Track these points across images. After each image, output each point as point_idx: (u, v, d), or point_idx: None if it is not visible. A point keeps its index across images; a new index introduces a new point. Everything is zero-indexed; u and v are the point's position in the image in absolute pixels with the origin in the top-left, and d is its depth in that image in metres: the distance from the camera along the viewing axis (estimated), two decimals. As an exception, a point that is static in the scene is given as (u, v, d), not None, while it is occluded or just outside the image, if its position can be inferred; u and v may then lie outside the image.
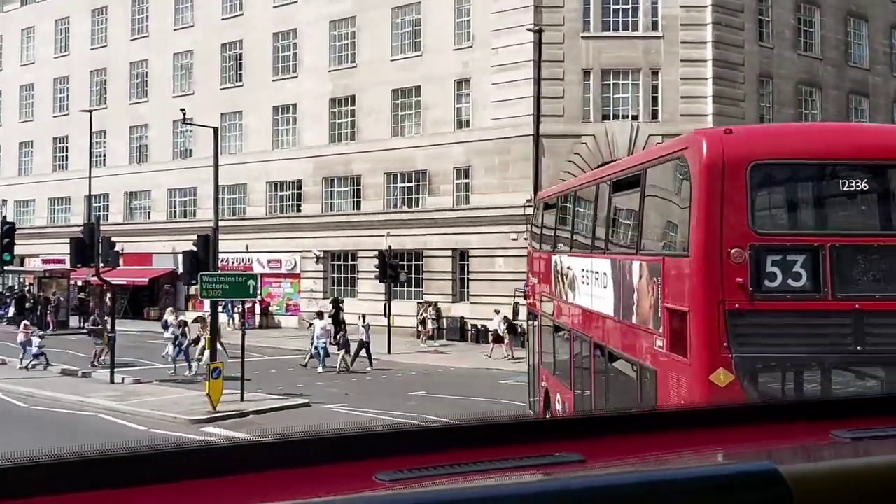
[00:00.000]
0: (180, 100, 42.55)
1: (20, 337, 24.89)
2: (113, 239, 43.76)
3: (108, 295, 44.42)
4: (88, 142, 43.07)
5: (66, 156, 48.35)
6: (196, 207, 42.61)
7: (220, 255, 40.57)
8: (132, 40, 45.10)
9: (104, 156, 45.92)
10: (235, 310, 37.84)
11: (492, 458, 1.48)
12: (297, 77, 38.65)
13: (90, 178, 41.54)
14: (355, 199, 36.79)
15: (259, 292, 40.24)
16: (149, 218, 44.63)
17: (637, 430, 1.74)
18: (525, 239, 30.88)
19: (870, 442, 1.66)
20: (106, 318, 25.44)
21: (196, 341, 24.51)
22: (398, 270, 29.18)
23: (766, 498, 1.32)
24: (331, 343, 25.14)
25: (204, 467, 1.37)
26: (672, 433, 1.73)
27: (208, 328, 21.88)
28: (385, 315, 28.70)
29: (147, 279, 41.52)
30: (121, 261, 43.98)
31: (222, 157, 42.35)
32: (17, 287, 43.31)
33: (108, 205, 45.72)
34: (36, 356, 23.91)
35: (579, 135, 31.15)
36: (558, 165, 30.78)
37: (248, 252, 38.83)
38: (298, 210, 38.75)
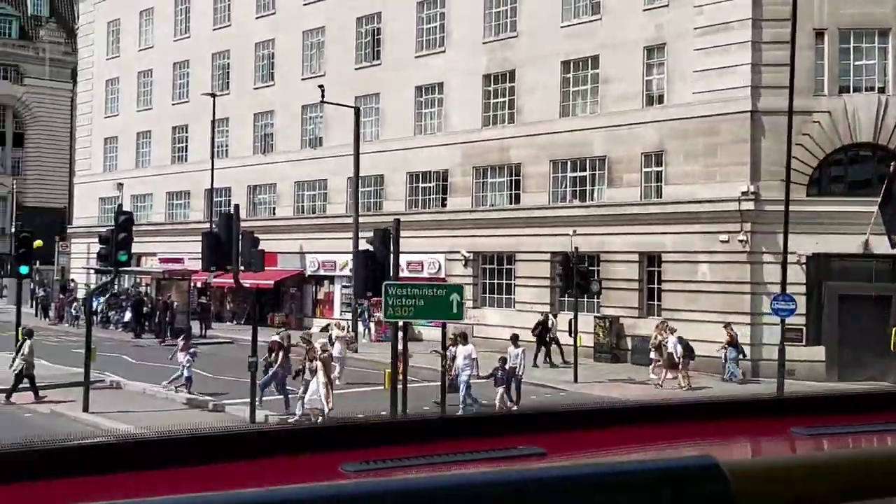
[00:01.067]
0: (309, 82, 38.23)
1: (181, 356, 19.95)
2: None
3: (228, 298, 41.02)
4: (211, 130, 39.26)
5: (186, 146, 44.85)
6: (326, 202, 38.13)
7: (340, 256, 36.22)
8: (258, 18, 41.04)
9: (226, 146, 42.09)
10: (372, 318, 33.17)
11: (456, 451, 1.51)
12: (443, 52, 33.56)
13: (213, 169, 37.62)
14: (513, 192, 31.35)
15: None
16: (273, 214, 40.46)
17: (600, 424, 1.78)
18: (741, 241, 24.88)
19: (825, 438, 1.70)
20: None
21: (300, 372, 17.55)
22: (589, 279, 23.54)
23: (705, 491, 1.33)
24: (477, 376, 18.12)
25: (170, 455, 1.38)
26: (636, 428, 1.77)
27: (317, 353, 16.66)
28: (570, 333, 23.13)
29: (272, 282, 37.22)
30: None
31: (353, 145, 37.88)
32: (131, 289, 39.78)
33: (229, 199, 41.74)
34: (188, 379, 19.33)
35: (810, 111, 24.77)
36: (781, 149, 24.48)
37: (384, 253, 33.94)
38: (443, 204, 33.64)
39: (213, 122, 37.70)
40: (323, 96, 28.86)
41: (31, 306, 34.25)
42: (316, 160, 37.80)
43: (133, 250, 45.68)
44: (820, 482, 1.41)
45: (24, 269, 19.79)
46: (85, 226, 50.08)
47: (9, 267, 66.35)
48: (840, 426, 1.75)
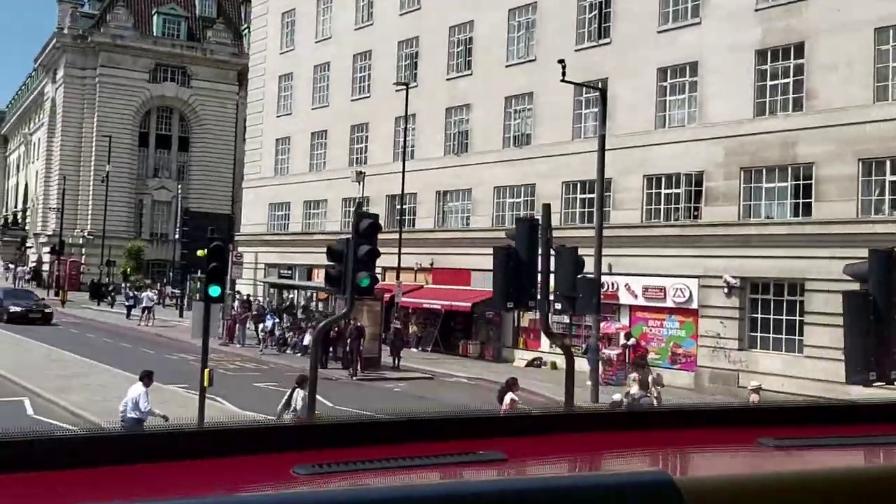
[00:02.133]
0: (516, 68, 32.39)
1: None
2: (422, 250, 34.81)
3: (412, 320, 35.24)
4: (403, 127, 34.12)
5: (366, 147, 40.03)
6: (533, 211, 32.03)
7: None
8: (453, -2, 35.66)
9: (412, 146, 36.89)
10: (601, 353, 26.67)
11: (414, 454, 1.47)
12: (698, 23, 26.81)
13: (403, 172, 32.38)
14: (800, 201, 24.14)
15: (630, 333, 29.02)
16: (466, 224, 34.78)
17: (563, 430, 1.77)
18: None
19: (791, 449, 1.68)
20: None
21: None
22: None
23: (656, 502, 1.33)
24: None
25: (120, 454, 1.36)
26: (596, 434, 1.75)
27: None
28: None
29: (469, 304, 31.48)
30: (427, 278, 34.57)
31: (572, 142, 31.66)
32: (315, 311, 34.91)
33: (414, 207, 36.57)
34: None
35: None
36: None
37: (611, 274, 27.40)
38: (695, 215, 26.82)
39: (405, 116, 32.50)
40: (564, 74, 22.78)
41: (221, 330, 29.86)
42: (521, 161, 31.88)
43: (306, 261, 41.50)
44: (782, 497, 1.38)
45: (215, 291, 14.57)
46: (253, 234, 46.34)
47: (171, 274, 64.58)
48: (810, 438, 1.72)
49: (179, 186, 61.91)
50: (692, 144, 26.44)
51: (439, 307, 32.69)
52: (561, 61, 23.37)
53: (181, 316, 44.48)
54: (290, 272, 43.84)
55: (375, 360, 26.72)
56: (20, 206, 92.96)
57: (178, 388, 20.46)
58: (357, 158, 40.50)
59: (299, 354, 29.48)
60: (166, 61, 67.34)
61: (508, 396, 13.44)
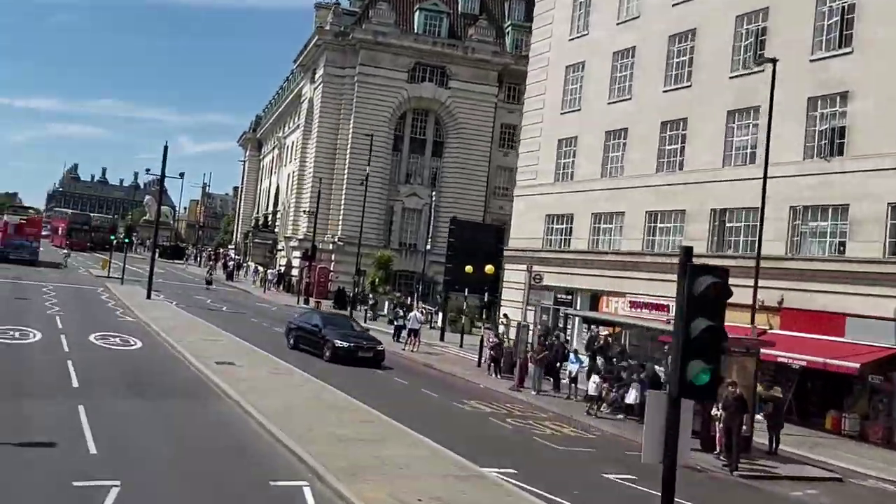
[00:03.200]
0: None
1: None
2: (767, 283, 26.13)
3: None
4: (748, 122, 25.84)
5: (681, 148, 32.13)
6: (959, 239, 22.63)
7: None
8: (827, -47, 26.89)
9: (752, 147, 28.52)
10: None
11: None
12: None
13: (765, 178, 24.05)
14: None
15: None
16: (839, 251, 25.79)
17: None
18: None
19: None
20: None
21: None
22: None
23: None
24: None
25: None
26: None
27: None
28: None
29: (857, 363, 22.55)
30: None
31: None
32: (614, 347, 27.29)
33: (750, 225, 28.06)
34: None
35: None
36: None
37: None
38: None
39: (770, 102, 24.09)
40: None
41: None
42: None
43: (592, 285, 34.15)
44: None
45: (703, 378, 7.39)
46: (523, 249, 39.83)
47: (420, 287, 60.06)
48: None
49: (433, 194, 57.12)
50: None
51: (804, 363, 23.99)
52: None
53: (442, 339, 38.80)
54: (569, 297, 36.77)
55: (744, 440, 18.67)
56: (270, 208, 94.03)
57: (499, 474, 13.73)
58: (669, 162, 32.66)
59: (622, 417, 22.07)
60: (426, 60, 63.15)
61: None
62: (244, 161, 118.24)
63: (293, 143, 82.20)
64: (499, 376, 27.54)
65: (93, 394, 17.22)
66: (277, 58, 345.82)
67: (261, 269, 72.41)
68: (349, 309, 49.58)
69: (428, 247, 56.46)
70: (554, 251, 38.09)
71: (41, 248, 63.53)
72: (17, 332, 24.80)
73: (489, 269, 34.83)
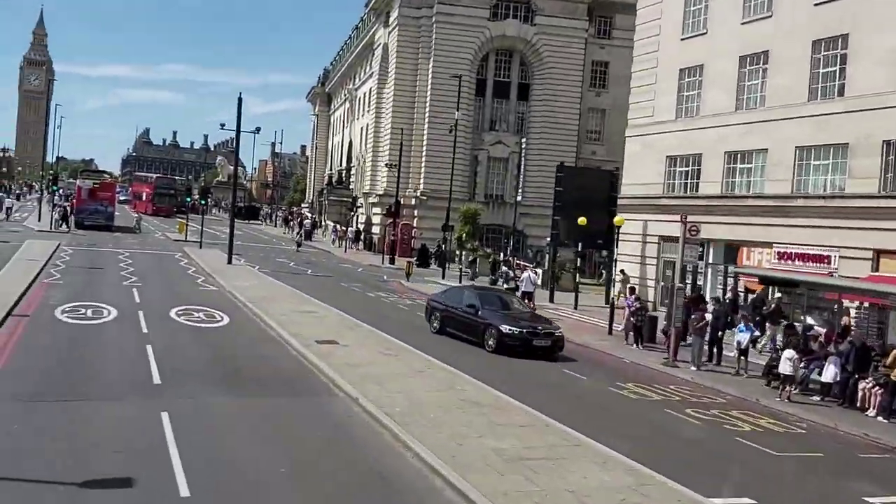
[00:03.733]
0: None
1: None
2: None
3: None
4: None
5: (840, 71, 26.99)
6: None
7: None
8: None
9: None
10: None
11: None
12: None
13: None
14: None
15: None
16: None
17: None
18: None
19: None
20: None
21: None
22: None
23: None
24: None
25: None
26: None
27: None
28: None
29: None
30: None
31: None
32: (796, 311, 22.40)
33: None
34: None
35: None
36: None
37: None
38: None
39: None
40: None
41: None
42: None
43: (728, 234, 29.51)
44: None
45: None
46: (640, 196, 35.29)
47: (511, 243, 56.04)
48: None
49: (524, 141, 52.62)
50: None
51: None
52: None
53: (551, 301, 34.77)
54: (700, 249, 32.17)
55: None
56: (344, 164, 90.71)
57: None
58: (825, 88, 27.59)
59: (818, 399, 17.77)
60: (509, -6, 58.24)
61: None
62: (314, 116, 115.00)
63: (366, 94, 78.32)
64: (640, 346, 23.40)
65: (179, 392, 13.82)
66: (345, 7, 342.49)
67: (339, 227, 69.40)
68: (442, 269, 45.91)
69: (519, 198, 52.31)
70: (677, 197, 33.42)
71: (117, 213, 61.55)
72: (90, 310, 21.75)
73: (618, 220, 30.44)
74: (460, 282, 40.86)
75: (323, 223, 75.69)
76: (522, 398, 14.77)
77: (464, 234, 54.09)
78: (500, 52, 60.24)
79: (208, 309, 23.69)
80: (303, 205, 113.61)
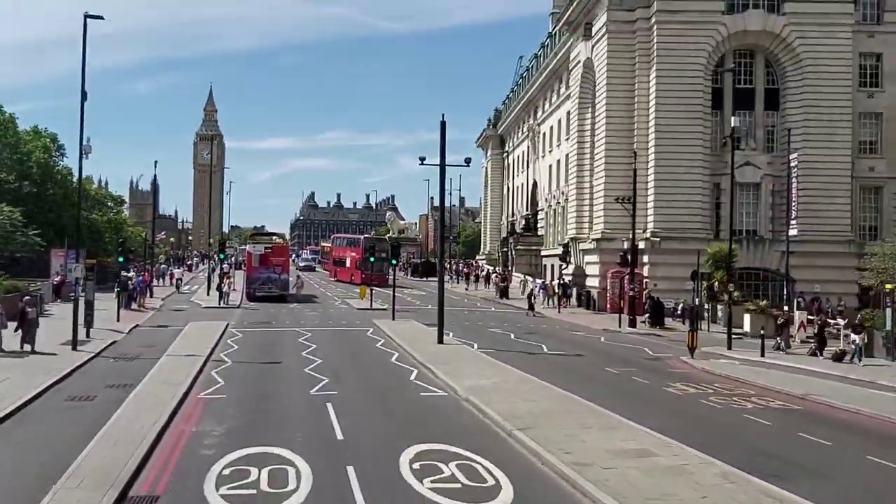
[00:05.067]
0: None
1: None
2: None
3: None
4: None
5: None
6: None
7: None
8: None
9: None
10: None
11: None
12: None
13: None
14: None
15: None
16: None
17: None
18: None
19: None
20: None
21: None
22: None
23: None
24: None
25: None
26: None
27: None
28: None
29: None
30: None
31: None
32: None
33: None
34: None
35: None
36: None
37: None
38: None
39: None
40: None
41: None
42: None
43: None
44: None
45: None
46: None
47: (788, 295, 42.96)
48: None
49: (793, 158, 40.24)
50: None
51: None
52: None
53: None
54: None
55: None
56: (527, 209, 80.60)
57: None
58: None
59: None
60: (748, -20, 46.54)
61: None
62: (486, 161, 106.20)
63: (553, 127, 68.33)
64: None
65: None
66: (493, 61, 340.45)
67: (537, 280, 58.82)
68: (691, 331, 33.57)
69: (793, 231, 40.03)
70: None
71: (291, 279, 53.99)
72: (265, 471, 11.93)
73: None
74: (762, 355, 28.87)
75: (523, 277, 65.33)
76: None
77: (717, 282, 42.10)
78: (740, 54, 48.32)
79: (461, 452, 13.37)
80: (478, 256, 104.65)
